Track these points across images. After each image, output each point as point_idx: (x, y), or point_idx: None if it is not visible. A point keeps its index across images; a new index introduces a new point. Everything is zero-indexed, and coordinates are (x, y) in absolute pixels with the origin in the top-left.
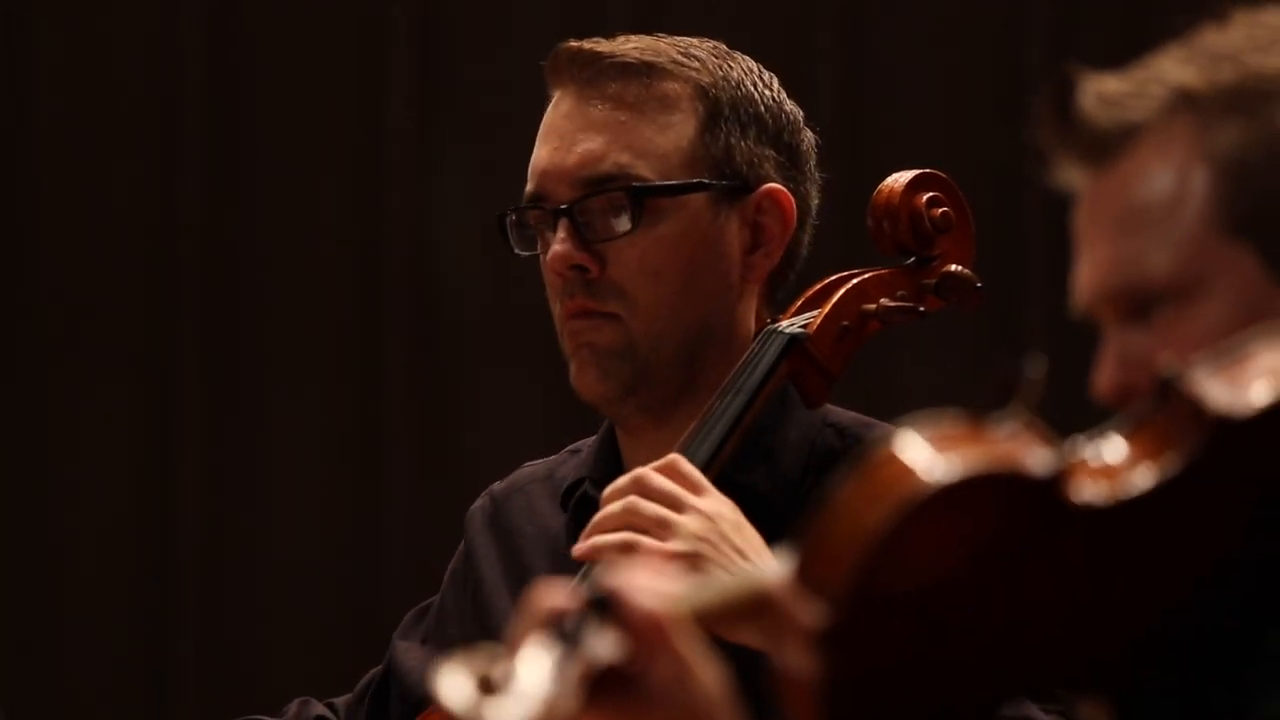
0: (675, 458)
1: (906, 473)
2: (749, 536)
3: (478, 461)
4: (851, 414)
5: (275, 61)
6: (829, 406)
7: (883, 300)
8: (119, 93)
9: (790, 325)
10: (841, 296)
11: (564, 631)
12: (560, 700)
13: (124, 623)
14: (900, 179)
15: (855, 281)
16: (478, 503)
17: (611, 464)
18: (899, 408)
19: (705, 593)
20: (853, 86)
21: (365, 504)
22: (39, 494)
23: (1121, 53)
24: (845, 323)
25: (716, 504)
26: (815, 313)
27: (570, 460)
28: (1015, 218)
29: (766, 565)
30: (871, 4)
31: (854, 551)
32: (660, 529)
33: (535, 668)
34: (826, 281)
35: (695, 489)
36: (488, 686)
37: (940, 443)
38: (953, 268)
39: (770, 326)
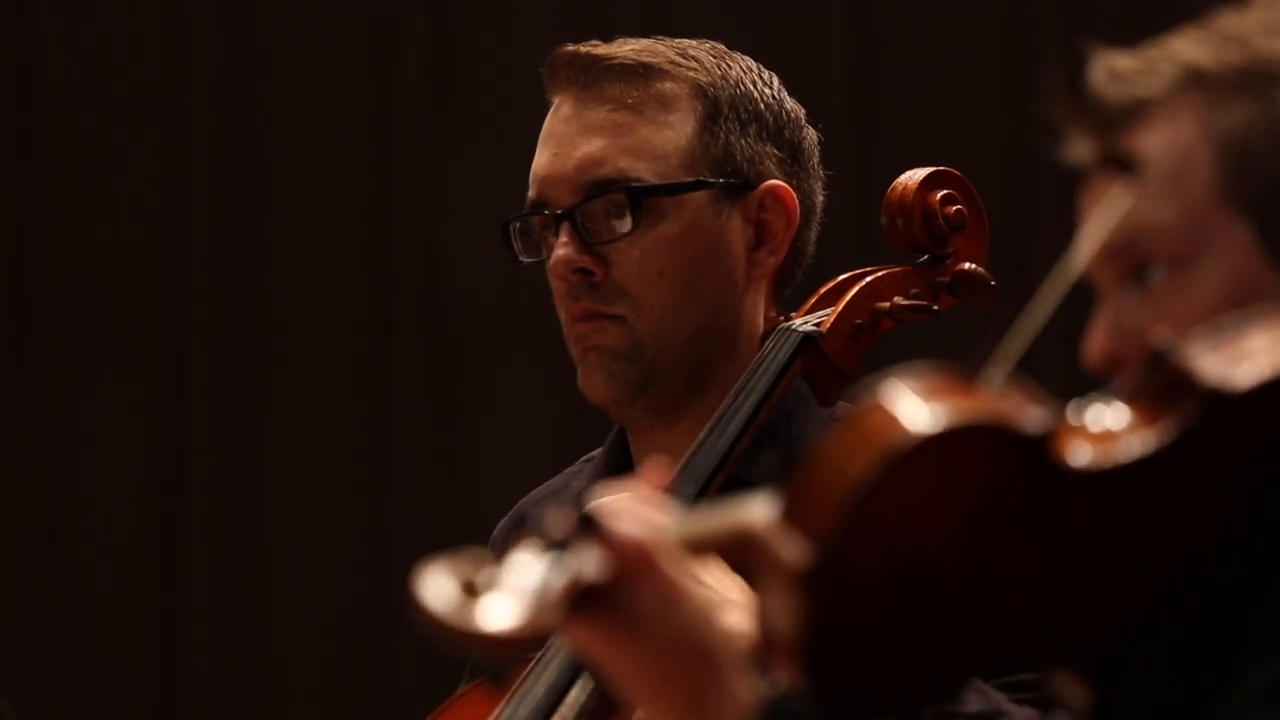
0: (629, 495)
1: (892, 421)
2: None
3: (489, 461)
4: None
5: (286, 60)
6: (841, 403)
7: (896, 298)
8: (129, 90)
9: (803, 324)
10: (855, 295)
11: (552, 544)
12: (542, 611)
13: (134, 624)
14: (914, 176)
15: (868, 280)
16: (498, 526)
17: (622, 468)
18: None
19: (691, 524)
20: (862, 81)
21: (376, 504)
22: (49, 498)
23: (1130, 38)
24: (858, 321)
25: None
26: (828, 311)
27: (585, 469)
28: (1027, 209)
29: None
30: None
31: (839, 493)
32: None
33: (520, 575)
34: (839, 280)
35: None
36: (471, 590)
37: (928, 394)
38: (966, 266)
39: (784, 325)
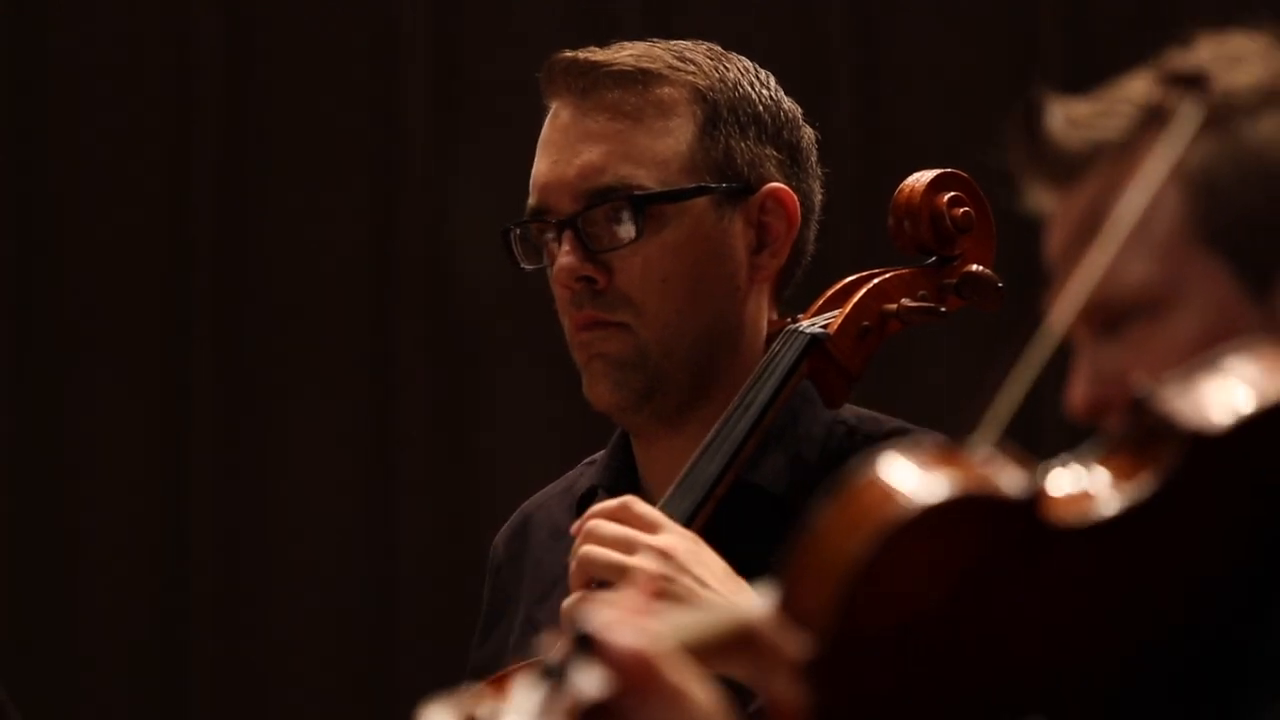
0: (627, 499)
1: (884, 498)
2: (710, 565)
3: (492, 461)
4: (864, 411)
5: (290, 62)
6: (847, 405)
7: (903, 300)
8: (134, 95)
9: (811, 325)
10: (862, 297)
11: (550, 669)
12: None
13: (139, 625)
14: (921, 178)
15: (876, 281)
16: (500, 533)
17: (624, 471)
18: (920, 407)
19: (689, 627)
20: (867, 82)
21: (380, 504)
22: (54, 498)
23: (1136, 44)
24: (866, 323)
25: (671, 539)
26: (836, 313)
27: (587, 472)
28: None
29: (730, 591)
30: (885, 1)
31: (835, 580)
32: (615, 576)
33: (522, 706)
34: (846, 281)
35: (649, 527)
36: None
37: (918, 467)
38: (974, 267)
39: (790, 326)
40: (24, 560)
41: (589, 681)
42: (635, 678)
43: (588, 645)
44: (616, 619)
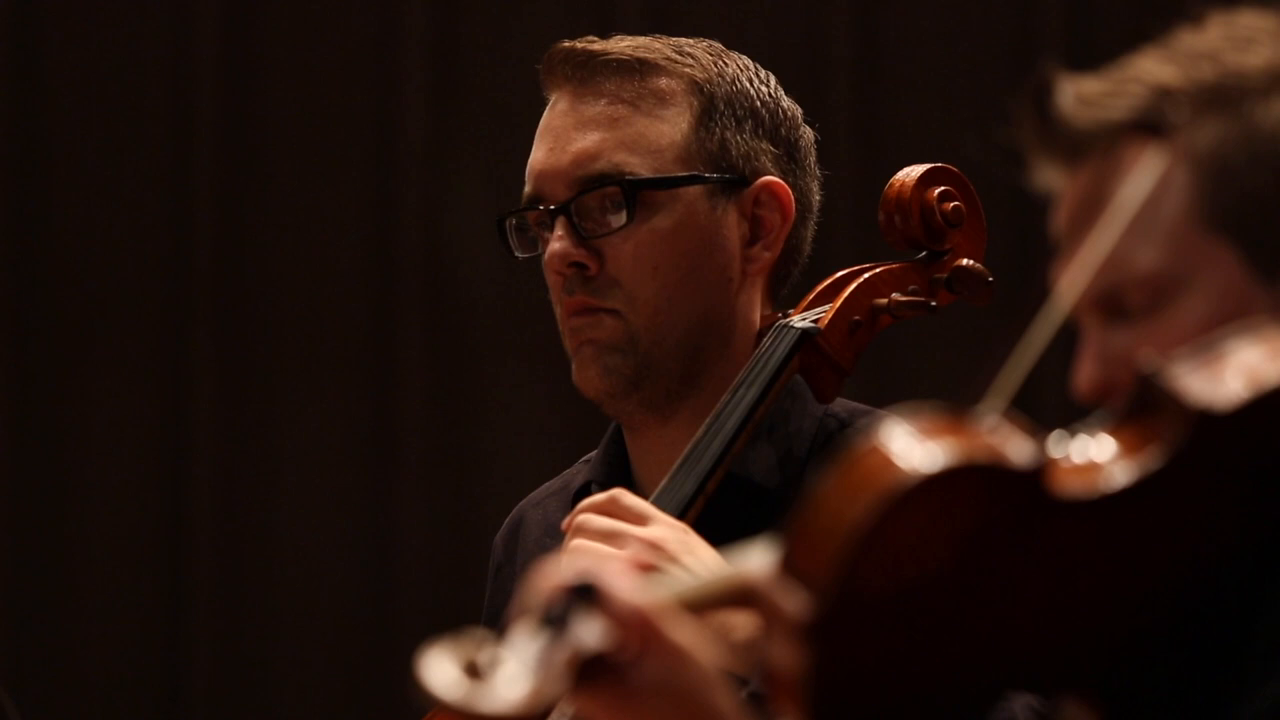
0: (616, 492)
1: (888, 464)
2: (700, 555)
3: (491, 458)
4: (855, 405)
5: (289, 59)
6: (839, 399)
7: (894, 295)
8: (134, 91)
9: (801, 320)
10: (853, 291)
11: (551, 618)
12: (547, 685)
13: (138, 623)
14: (911, 173)
15: (866, 276)
16: (499, 532)
17: (617, 465)
18: (911, 401)
19: (689, 585)
20: (866, 82)
21: (379, 502)
22: (55, 495)
23: (1135, 41)
24: (856, 317)
25: (661, 530)
26: (826, 307)
27: (583, 470)
28: (1030, 211)
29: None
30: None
31: (837, 541)
32: None
33: (522, 653)
34: (837, 276)
35: (638, 520)
36: (474, 672)
37: (922, 434)
38: (964, 262)
39: (781, 321)
40: (22, 560)
41: (589, 633)
42: (634, 632)
43: (589, 596)
44: (619, 572)
